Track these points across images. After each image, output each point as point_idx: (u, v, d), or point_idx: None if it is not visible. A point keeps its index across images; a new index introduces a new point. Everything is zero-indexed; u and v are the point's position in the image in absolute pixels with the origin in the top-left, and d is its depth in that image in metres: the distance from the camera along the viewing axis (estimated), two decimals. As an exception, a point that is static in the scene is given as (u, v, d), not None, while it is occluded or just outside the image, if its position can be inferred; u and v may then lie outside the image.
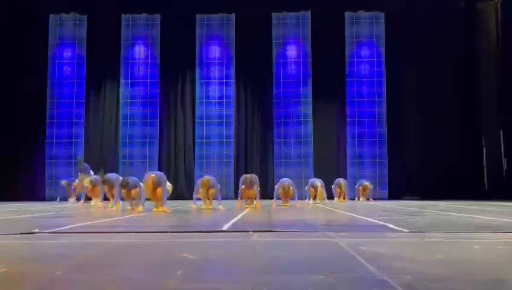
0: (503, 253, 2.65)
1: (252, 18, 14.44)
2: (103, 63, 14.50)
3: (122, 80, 14.58)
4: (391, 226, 4.13)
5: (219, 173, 13.71)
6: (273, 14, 14.62)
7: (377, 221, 4.79)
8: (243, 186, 8.25)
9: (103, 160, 13.74)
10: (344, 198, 12.13)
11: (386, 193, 13.95)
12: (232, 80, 14.57)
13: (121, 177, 8.48)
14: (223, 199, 13.24)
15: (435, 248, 2.81)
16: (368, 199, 12.36)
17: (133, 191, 7.48)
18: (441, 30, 14.19)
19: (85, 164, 10.88)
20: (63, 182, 12.92)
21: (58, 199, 13.01)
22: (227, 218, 5.39)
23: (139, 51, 14.72)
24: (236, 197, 13.37)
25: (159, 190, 6.98)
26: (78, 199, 11.71)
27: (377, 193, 13.91)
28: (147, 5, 14.60)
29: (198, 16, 14.66)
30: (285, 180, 9.51)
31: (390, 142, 14.16)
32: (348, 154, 14.12)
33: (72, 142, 14.28)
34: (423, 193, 13.13)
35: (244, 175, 8.58)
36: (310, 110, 14.33)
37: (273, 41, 14.59)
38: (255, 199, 8.32)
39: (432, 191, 13.12)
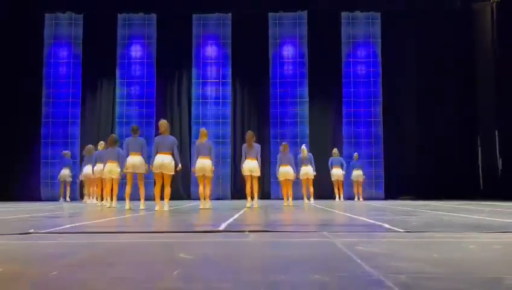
0: (498, 252, 2.67)
1: (249, 18, 14.44)
2: (99, 63, 14.46)
3: (118, 80, 14.54)
4: (387, 225, 4.14)
5: (216, 172, 13.71)
6: (270, 14, 14.62)
7: (372, 221, 4.80)
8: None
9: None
10: (340, 198, 12.29)
11: (382, 192, 13.99)
12: (229, 80, 14.56)
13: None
14: (220, 199, 13.33)
15: (430, 248, 2.82)
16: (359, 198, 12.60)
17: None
18: (437, 30, 14.24)
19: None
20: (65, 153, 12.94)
21: (64, 197, 12.82)
22: (224, 218, 5.40)
23: (136, 50, 14.69)
24: (232, 198, 13.46)
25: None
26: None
27: (373, 192, 13.97)
28: (144, 4, 14.58)
29: (194, 16, 14.65)
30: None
31: (386, 142, 14.20)
32: (344, 155, 14.13)
33: (68, 142, 14.23)
34: (419, 193, 13.18)
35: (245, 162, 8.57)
36: (306, 110, 14.35)
37: (270, 41, 14.59)
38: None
39: (427, 191, 13.18)
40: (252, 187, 8.54)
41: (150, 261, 2.41)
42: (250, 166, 8.41)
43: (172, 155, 7.55)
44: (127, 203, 7.83)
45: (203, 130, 8.48)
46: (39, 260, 2.48)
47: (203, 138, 8.22)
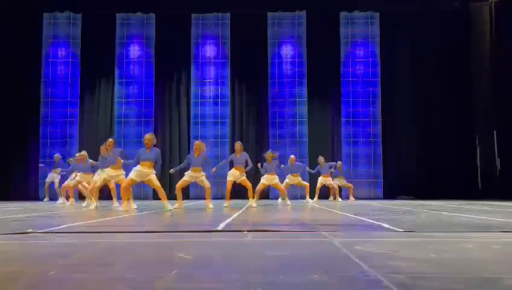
0: (497, 252, 2.67)
1: (248, 18, 14.44)
2: (98, 62, 14.45)
3: (116, 79, 14.53)
4: (385, 225, 4.14)
5: (215, 172, 13.73)
6: (269, 14, 14.62)
7: (371, 220, 4.80)
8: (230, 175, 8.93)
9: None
10: (335, 198, 12.31)
11: (380, 192, 14.01)
12: (228, 80, 14.56)
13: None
14: (218, 199, 13.33)
15: (429, 248, 2.82)
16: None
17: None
18: (435, 30, 14.27)
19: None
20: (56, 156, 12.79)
21: (46, 198, 12.93)
22: (222, 217, 5.39)
23: (134, 50, 14.67)
24: (231, 198, 13.45)
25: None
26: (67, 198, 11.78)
27: (372, 192, 13.99)
28: (142, 4, 14.57)
29: (193, 15, 14.64)
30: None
31: (384, 142, 14.21)
32: (342, 154, 14.16)
33: (66, 142, 14.22)
34: (417, 193, 13.20)
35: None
36: (305, 110, 14.35)
37: (269, 40, 14.59)
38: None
39: (426, 191, 13.20)
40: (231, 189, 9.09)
41: (149, 261, 2.41)
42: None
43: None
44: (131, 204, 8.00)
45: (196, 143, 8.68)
46: (37, 260, 2.47)
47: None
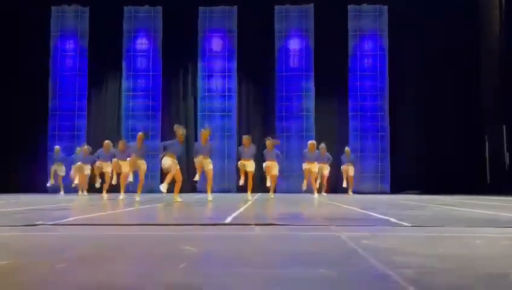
0: (505, 248, 2.65)
1: (255, 11, 14.37)
2: (105, 55, 14.47)
3: (124, 73, 14.55)
4: (393, 220, 4.12)
5: (221, 166, 13.77)
6: (276, 7, 14.54)
7: (379, 215, 4.79)
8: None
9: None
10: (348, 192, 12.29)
11: (387, 186, 13.96)
12: (234, 73, 14.53)
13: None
14: (224, 192, 13.36)
15: (437, 242, 2.81)
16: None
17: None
18: (444, 24, 14.11)
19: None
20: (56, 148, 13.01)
21: (61, 191, 13.08)
22: (230, 211, 5.40)
23: (141, 43, 14.67)
24: (238, 191, 13.49)
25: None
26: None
27: (379, 186, 13.94)
28: (149, -4, 14.57)
29: (200, 8, 14.60)
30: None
31: (392, 136, 14.13)
32: (350, 148, 14.08)
33: (74, 135, 14.29)
34: (425, 187, 13.12)
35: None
36: (312, 103, 14.30)
37: (276, 34, 14.51)
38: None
39: (433, 186, 13.11)
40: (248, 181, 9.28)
41: (156, 254, 2.42)
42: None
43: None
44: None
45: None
46: (46, 252, 2.49)
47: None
